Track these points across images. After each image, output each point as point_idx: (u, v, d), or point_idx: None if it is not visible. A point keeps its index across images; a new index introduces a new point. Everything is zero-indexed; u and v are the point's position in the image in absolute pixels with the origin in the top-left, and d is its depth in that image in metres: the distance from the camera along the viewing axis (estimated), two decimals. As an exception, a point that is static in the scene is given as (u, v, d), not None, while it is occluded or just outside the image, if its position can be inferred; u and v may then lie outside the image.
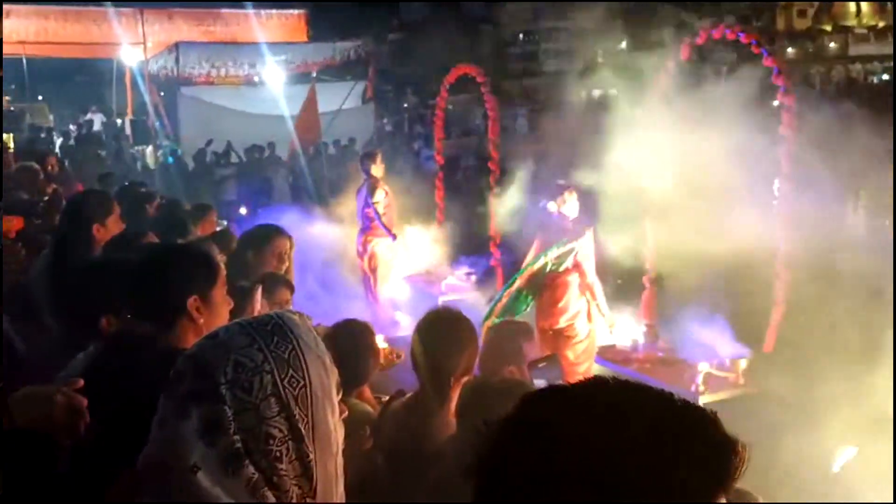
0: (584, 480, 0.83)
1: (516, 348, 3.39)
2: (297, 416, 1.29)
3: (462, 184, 13.81)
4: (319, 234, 9.34)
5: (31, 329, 3.46)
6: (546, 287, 6.44)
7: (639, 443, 0.84)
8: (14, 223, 4.70)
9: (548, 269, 6.39)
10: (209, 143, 18.01)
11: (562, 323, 6.41)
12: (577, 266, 6.38)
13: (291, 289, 4.11)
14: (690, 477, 0.84)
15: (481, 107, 12.16)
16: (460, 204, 10.95)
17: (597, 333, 6.60)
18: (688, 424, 0.86)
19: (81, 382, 1.94)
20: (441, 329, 2.95)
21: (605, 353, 6.75)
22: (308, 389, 1.31)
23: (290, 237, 5.26)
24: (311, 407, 1.31)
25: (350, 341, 3.15)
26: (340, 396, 1.39)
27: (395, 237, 9.11)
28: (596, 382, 0.95)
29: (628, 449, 0.84)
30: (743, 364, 5.86)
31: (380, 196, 9.01)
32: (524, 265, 6.57)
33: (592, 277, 6.45)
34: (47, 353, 3.35)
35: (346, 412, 1.43)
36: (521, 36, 38.83)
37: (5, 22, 20.94)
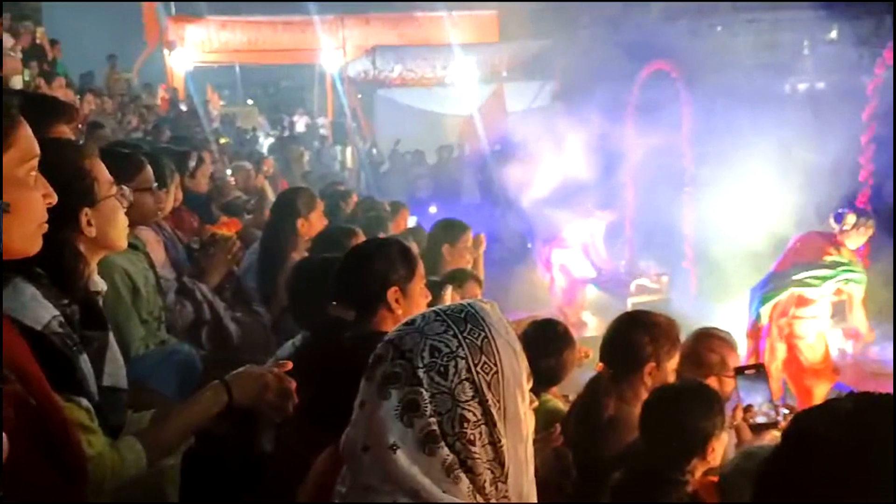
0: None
1: (718, 360, 3.24)
2: (490, 401, 1.32)
3: (655, 181, 13.43)
4: (507, 232, 9.44)
5: (242, 315, 3.74)
6: None
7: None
8: (231, 226, 5.12)
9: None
10: (397, 142, 18.62)
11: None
12: None
13: (480, 284, 4.17)
14: None
15: (675, 102, 11.80)
16: (652, 202, 10.67)
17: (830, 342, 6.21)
18: None
19: (290, 365, 2.07)
20: (635, 318, 2.97)
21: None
22: (500, 375, 1.34)
23: (480, 234, 5.38)
24: (503, 392, 1.33)
25: (548, 341, 3.18)
26: (531, 385, 1.40)
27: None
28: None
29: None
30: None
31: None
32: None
33: None
34: (257, 337, 3.62)
35: (536, 402, 1.44)
36: (718, 28, 37.23)
37: (222, 33, 22.78)
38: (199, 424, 1.99)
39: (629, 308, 8.56)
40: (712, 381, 3.06)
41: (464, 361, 1.32)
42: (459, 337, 1.34)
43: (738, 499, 2.22)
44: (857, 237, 6.03)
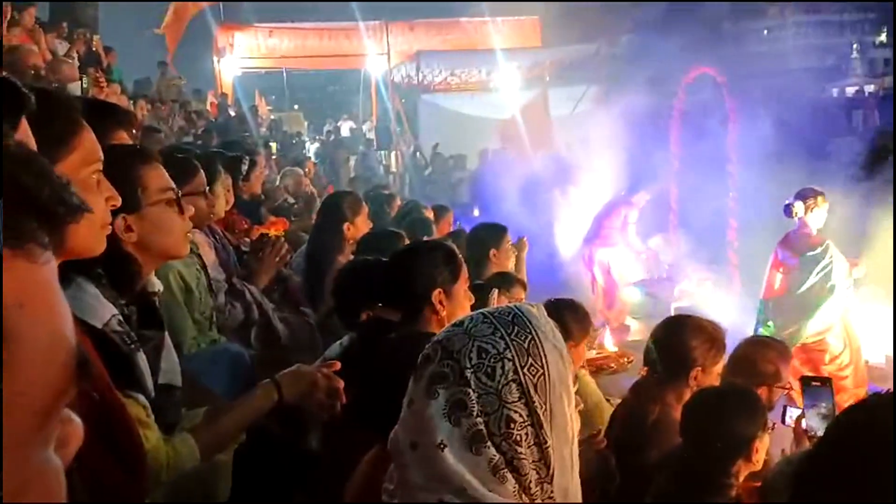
0: None
1: (772, 371, 3.21)
2: (537, 403, 1.34)
3: (699, 187, 13.31)
4: (548, 237, 9.42)
5: (290, 315, 3.81)
6: None
7: None
8: (279, 225, 5.21)
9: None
10: (436, 146, 18.68)
11: (809, 340, 6.01)
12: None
13: (524, 287, 4.18)
14: None
15: (720, 108, 11.70)
16: (697, 207, 10.58)
17: (861, 351, 6.11)
18: None
19: (339, 365, 2.12)
20: (683, 322, 2.97)
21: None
22: (546, 378, 1.35)
23: (523, 237, 5.40)
24: (549, 395, 1.35)
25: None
26: (576, 387, 1.42)
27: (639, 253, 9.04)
28: None
29: None
30: None
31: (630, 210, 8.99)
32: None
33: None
34: (304, 337, 3.68)
35: (581, 405, 1.46)
36: (765, 32, 36.79)
37: (270, 40, 23.16)
38: (251, 422, 2.05)
39: (672, 312, 8.51)
40: (762, 391, 3.04)
41: (511, 363, 1.34)
42: (507, 339, 1.36)
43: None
44: (817, 217, 5.99)
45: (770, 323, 6.12)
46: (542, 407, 1.34)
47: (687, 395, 2.78)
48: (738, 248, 8.74)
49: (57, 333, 0.52)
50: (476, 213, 11.91)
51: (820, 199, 6.04)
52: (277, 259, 3.72)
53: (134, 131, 3.44)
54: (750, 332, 6.17)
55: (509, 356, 1.34)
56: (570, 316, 3.47)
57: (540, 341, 1.37)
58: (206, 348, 3.02)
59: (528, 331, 1.37)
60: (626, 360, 3.52)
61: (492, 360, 1.35)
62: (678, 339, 2.84)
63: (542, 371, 1.35)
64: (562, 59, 22.27)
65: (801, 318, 6.02)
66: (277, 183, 8.46)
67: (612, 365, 3.41)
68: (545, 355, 1.36)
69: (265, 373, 3.05)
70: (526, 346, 1.36)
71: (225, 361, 2.98)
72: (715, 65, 10.00)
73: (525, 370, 1.34)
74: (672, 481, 2.54)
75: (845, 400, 5.70)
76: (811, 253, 6.03)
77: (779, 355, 3.28)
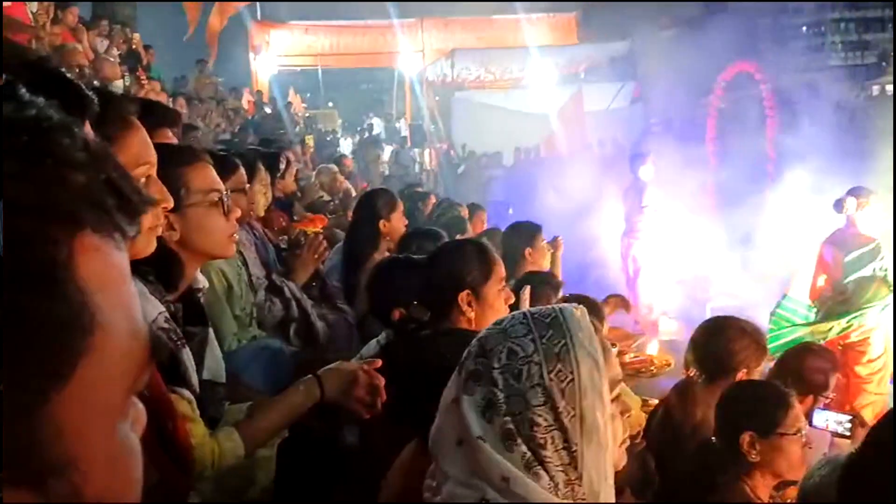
0: None
1: (822, 381, 3.19)
2: (562, 409, 1.34)
3: (735, 182, 13.18)
4: (582, 235, 9.38)
5: (328, 312, 3.85)
6: None
7: None
8: (317, 221, 5.25)
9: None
10: (463, 147, 18.67)
11: (853, 337, 5.91)
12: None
13: (558, 287, 4.11)
14: None
15: (759, 104, 11.58)
16: (733, 205, 10.48)
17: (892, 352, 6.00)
18: None
19: (379, 362, 2.14)
20: (727, 324, 2.96)
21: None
22: (577, 384, 1.35)
23: (558, 236, 5.38)
24: (578, 401, 1.35)
25: None
26: (616, 395, 1.42)
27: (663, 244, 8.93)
28: None
29: None
30: None
31: (650, 199, 8.87)
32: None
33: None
34: (343, 334, 3.72)
35: (631, 412, 1.45)
36: (804, 28, 36.25)
37: (306, 37, 23.35)
38: (293, 417, 2.07)
39: (708, 313, 8.43)
40: (808, 400, 3.02)
41: (537, 367, 1.34)
42: (537, 342, 1.37)
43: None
44: (867, 215, 5.86)
45: (808, 317, 6.03)
46: (569, 413, 1.33)
47: (721, 384, 2.78)
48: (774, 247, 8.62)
49: (134, 317, 0.54)
50: (511, 211, 11.88)
51: (873, 198, 5.94)
52: (316, 256, 3.75)
53: (176, 129, 3.50)
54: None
55: (537, 360, 1.35)
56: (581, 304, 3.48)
57: (573, 347, 1.36)
58: (246, 344, 3.06)
59: (562, 335, 1.37)
60: (665, 363, 3.50)
61: (520, 362, 1.36)
62: (720, 342, 2.83)
63: (571, 377, 1.35)
64: (597, 55, 22.16)
65: (847, 313, 5.90)
66: (313, 180, 8.53)
67: (652, 368, 3.40)
68: (577, 361, 1.35)
69: (304, 369, 3.11)
70: (557, 350, 1.36)
71: (265, 358, 3.02)
72: (753, 61, 9.90)
73: (552, 375, 1.34)
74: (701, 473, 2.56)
75: (863, 405, 5.63)
76: (862, 250, 5.91)
77: (830, 365, 3.27)
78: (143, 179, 1.67)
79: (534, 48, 20.82)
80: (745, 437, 2.50)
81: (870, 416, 5.68)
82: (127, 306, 0.53)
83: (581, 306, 1.47)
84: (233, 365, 2.79)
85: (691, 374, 2.87)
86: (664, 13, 23.69)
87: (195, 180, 1.98)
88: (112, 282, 0.52)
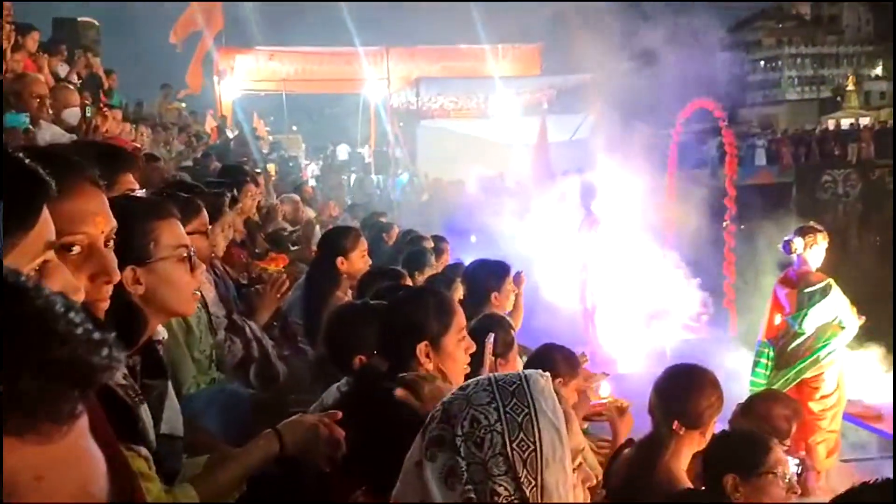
0: None
1: (787, 429, 3.35)
2: (524, 479, 1.33)
3: (693, 217, 13.38)
4: (543, 266, 9.44)
5: (289, 354, 3.82)
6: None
7: None
8: (279, 261, 5.20)
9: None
10: (426, 175, 18.71)
11: (807, 373, 6.00)
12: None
13: (513, 327, 4.01)
14: None
15: (715, 137, 11.79)
16: (691, 240, 10.63)
17: (846, 387, 6.11)
18: None
19: (339, 415, 2.13)
20: (673, 374, 2.98)
21: (852, 409, 6.24)
22: (538, 454, 1.35)
23: (520, 272, 5.35)
24: (540, 472, 1.35)
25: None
26: (577, 464, 1.43)
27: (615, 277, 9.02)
28: None
29: None
30: None
31: (604, 232, 8.96)
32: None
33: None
34: (303, 377, 3.69)
35: (593, 482, 1.46)
36: (762, 63, 37.12)
37: (271, 63, 23.31)
38: (252, 472, 2.05)
39: (667, 348, 8.52)
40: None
41: (500, 436, 1.34)
42: (501, 410, 1.36)
43: None
44: (816, 254, 5.99)
45: (766, 365, 6.10)
46: (529, 483, 1.33)
47: (695, 447, 2.83)
48: (733, 284, 8.77)
49: (82, 496, 0.52)
50: (473, 239, 11.91)
51: (819, 236, 6.03)
52: (279, 295, 3.73)
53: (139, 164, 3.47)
54: (746, 373, 6.19)
55: (499, 429, 1.35)
56: (558, 355, 3.51)
57: (536, 417, 1.36)
58: (205, 388, 3.02)
59: (526, 404, 1.37)
60: (620, 405, 3.53)
61: (482, 430, 1.35)
62: (690, 397, 2.86)
63: (533, 447, 1.34)
64: (561, 86, 22.43)
65: (803, 357, 6.00)
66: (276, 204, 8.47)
67: (605, 413, 3.45)
68: (539, 431, 1.35)
69: (262, 411, 3.07)
70: (520, 420, 1.35)
71: (222, 400, 2.98)
72: (711, 95, 10.09)
73: (514, 445, 1.34)
74: None
75: (817, 442, 5.72)
76: (811, 289, 6.02)
77: (794, 414, 3.42)
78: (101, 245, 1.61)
79: (498, 78, 21.04)
80: (729, 480, 2.66)
81: (823, 452, 5.79)
82: (72, 489, 0.51)
83: (546, 374, 1.47)
84: (191, 409, 2.76)
85: (675, 427, 2.87)
86: (626, 46, 24.12)
87: (164, 235, 1.96)
88: (50, 469, 0.50)
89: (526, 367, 3.42)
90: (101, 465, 0.54)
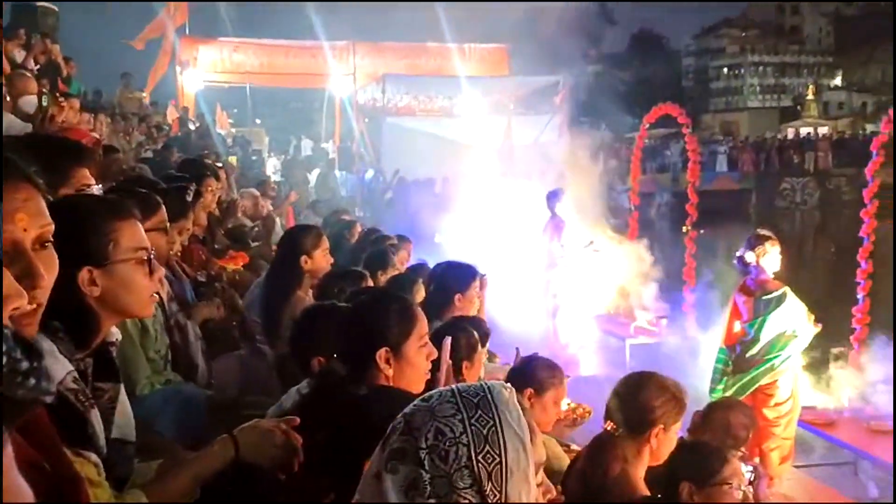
0: None
1: (745, 436, 3.44)
2: (489, 491, 1.32)
3: (655, 221, 13.55)
4: (506, 267, 9.44)
5: (247, 356, 3.76)
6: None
7: None
8: (238, 259, 5.10)
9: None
10: (396, 173, 18.63)
11: (762, 381, 6.06)
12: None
13: (484, 337, 3.96)
14: None
15: (678, 142, 11.93)
16: (653, 243, 10.71)
17: (800, 394, 6.18)
18: None
19: (297, 421, 2.09)
20: (648, 381, 2.97)
21: (806, 416, 6.32)
22: (503, 467, 1.34)
23: (484, 275, 5.31)
24: (504, 484, 1.34)
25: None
26: (540, 478, 1.41)
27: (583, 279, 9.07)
28: None
29: None
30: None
31: (568, 235, 9.01)
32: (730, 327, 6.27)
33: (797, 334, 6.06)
34: (261, 378, 3.63)
35: (553, 494, 1.45)
36: (725, 70, 37.63)
37: (235, 55, 23.04)
38: (205, 478, 2.00)
39: (627, 349, 8.59)
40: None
41: (465, 448, 1.33)
42: (466, 423, 1.35)
43: None
44: (770, 261, 6.04)
45: (725, 371, 6.16)
46: (494, 496, 1.32)
47: (646, 453, 2.82)
48: (693, 288, 8.85)
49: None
50: (437, 239, 11.89)
51: (769, 243, 6.07)
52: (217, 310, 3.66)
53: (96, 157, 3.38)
54: (705, 378, 6.24)
55: (465, 441, 1.33)
56: (540, 366, 3.50)
57: (501, 429, 1.35)
58: (159, 389, 2.96)
59: (490, 416, 1.36)
60: (584, 411, 3.53)
61: (447, 443, 1.34)
62: (641, 397, 2.86)
63: (498, 459, 1.34)
64: (527, 88, 22.49)
65: (759, 364, 6.06)
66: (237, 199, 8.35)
67: (575, 417, 3.45)
68: (504, 444, 1.34)
69: (218, 413, 3.01)
70: (485, 432, 1.34)
71: (178, 402, 2.92)
72: (676, 100, 10.19)
73: (479, 457, 1.33)
74: None
75: (771, 448, 5.80)
76: (768, 297, 6.08)
77: (751, 422, 3.49)
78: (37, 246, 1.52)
79: (464, 78, 21.03)
80: (685, 488, 2.71)
81: (776, 458, 5.86)
82: None
83: (509, 386, 1.45)
84: (145, 410, 2.69)
85: (609, 428, 2.89)
86: (593, 49, 24.27)
87: (124, 237, 1.89)
88: None
89: (508, 379, 3.40)
90: (26, 496, 0.50)
